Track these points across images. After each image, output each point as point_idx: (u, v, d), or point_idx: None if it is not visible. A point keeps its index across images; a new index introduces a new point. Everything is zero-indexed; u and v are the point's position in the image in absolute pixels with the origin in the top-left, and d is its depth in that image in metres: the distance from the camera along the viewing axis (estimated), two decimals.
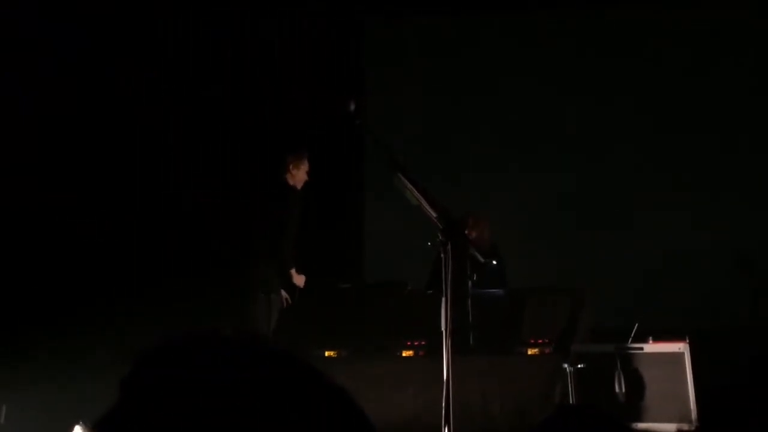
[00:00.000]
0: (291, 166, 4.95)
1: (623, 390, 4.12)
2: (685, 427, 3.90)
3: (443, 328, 2.30)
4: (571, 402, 4.04)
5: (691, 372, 4.05)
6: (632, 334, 4.23)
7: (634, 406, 4.12)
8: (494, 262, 5.18)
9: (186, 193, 6.32)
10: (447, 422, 2.19)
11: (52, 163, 5.86)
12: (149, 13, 6.37)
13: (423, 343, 4.41)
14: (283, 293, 4.85)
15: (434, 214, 2.38)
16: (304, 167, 4.99)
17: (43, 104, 5.77)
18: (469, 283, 4.55)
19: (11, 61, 5.62)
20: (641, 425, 4.07)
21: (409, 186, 2.39)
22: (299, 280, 4.88)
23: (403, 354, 4.48)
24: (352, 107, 2.51)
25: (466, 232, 4.71)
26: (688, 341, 4.13)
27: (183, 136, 6.48)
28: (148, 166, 6.37)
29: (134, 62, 6.23)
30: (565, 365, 4.11)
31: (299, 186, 4.99)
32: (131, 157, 6.31)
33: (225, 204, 6.02)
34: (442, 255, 2.35)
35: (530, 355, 4.37)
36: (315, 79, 6.57)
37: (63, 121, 5.96)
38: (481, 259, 2.52)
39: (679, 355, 4.12)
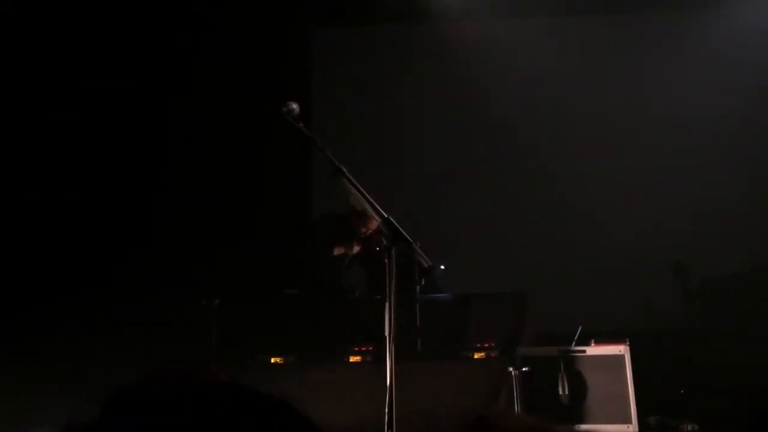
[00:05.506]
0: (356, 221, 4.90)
1: (566, 392, 4.19)
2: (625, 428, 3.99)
3: (386, 333, 2.29)
4: (516, 406, 4.08)
5: (631, 373, 4.16)
6: (575, 338, 4.32)
7: (577, 408, 4.20)
8: (442, 267, 5.21)
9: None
10: (390, 427, 2.19)
11: None
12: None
13: (370, 348, 4.40)
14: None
15: (378, 219, 2.37)
16: (364, 225, 4.92)
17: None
18: (417, 288, 4.56)
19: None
20: (584, 427, 4.15)
21: (353, 190, 2.38)
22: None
23: (351, 359, 4.45)
24: (296, 110, 2.49)
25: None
26: (628, 343, 4.24)
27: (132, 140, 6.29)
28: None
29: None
30: (511, 368, 4.16)
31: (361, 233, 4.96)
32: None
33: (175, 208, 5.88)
34: (386, 260, 2.34)
35: (476, 359, 4.40)
36: (262, 85, 6.50)
37: None
38: (425, 264, 2.52)
39: (619, 357, 4.22)
